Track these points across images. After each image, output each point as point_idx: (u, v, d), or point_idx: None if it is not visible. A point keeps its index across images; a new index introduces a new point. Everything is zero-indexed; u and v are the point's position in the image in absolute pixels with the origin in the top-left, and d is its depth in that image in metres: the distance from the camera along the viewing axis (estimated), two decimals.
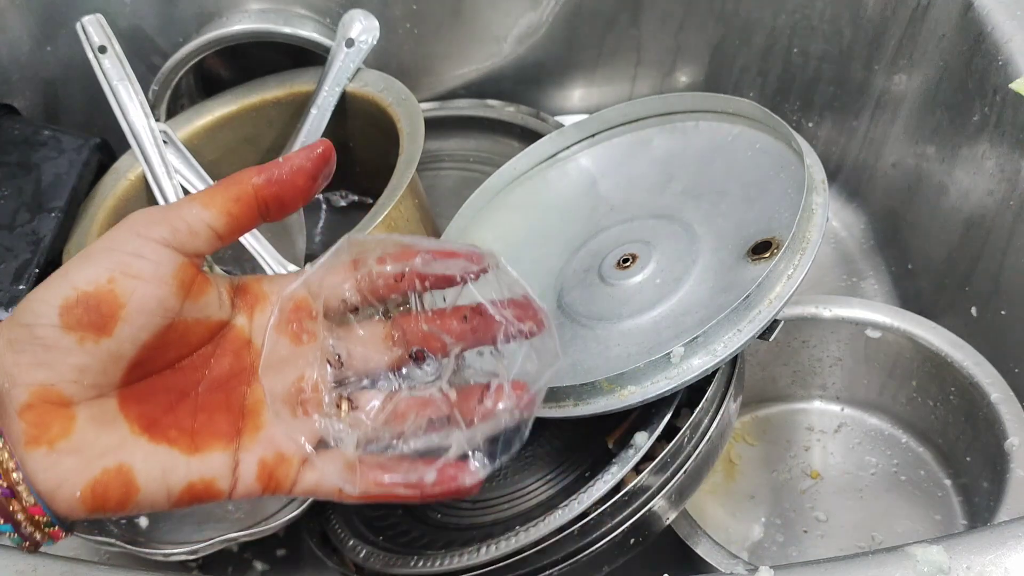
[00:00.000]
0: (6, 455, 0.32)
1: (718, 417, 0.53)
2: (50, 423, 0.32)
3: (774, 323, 0.51)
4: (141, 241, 0.34)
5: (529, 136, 0.74)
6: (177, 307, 0.35)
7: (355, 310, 0.39)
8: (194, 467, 0.35)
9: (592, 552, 0.48)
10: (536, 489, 0.55)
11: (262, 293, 0.39)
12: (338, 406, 0.37)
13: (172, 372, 0.36)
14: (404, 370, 0.39)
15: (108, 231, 0.34)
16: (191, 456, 0.35)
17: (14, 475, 0.32)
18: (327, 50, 0.68)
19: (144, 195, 0.66)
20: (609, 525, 0.48)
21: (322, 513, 0.61)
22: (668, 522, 0.50)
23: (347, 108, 0.69)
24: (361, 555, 0.57)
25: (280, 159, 0.38)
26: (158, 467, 0.34)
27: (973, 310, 0.66)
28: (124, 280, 0.33)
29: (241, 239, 0.63)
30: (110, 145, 0.67)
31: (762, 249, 0.53)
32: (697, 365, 0.50)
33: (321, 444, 0.37)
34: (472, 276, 0.38)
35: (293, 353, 0.37)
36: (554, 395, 0.50)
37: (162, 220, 0.34)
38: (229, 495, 0.36)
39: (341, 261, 0.39)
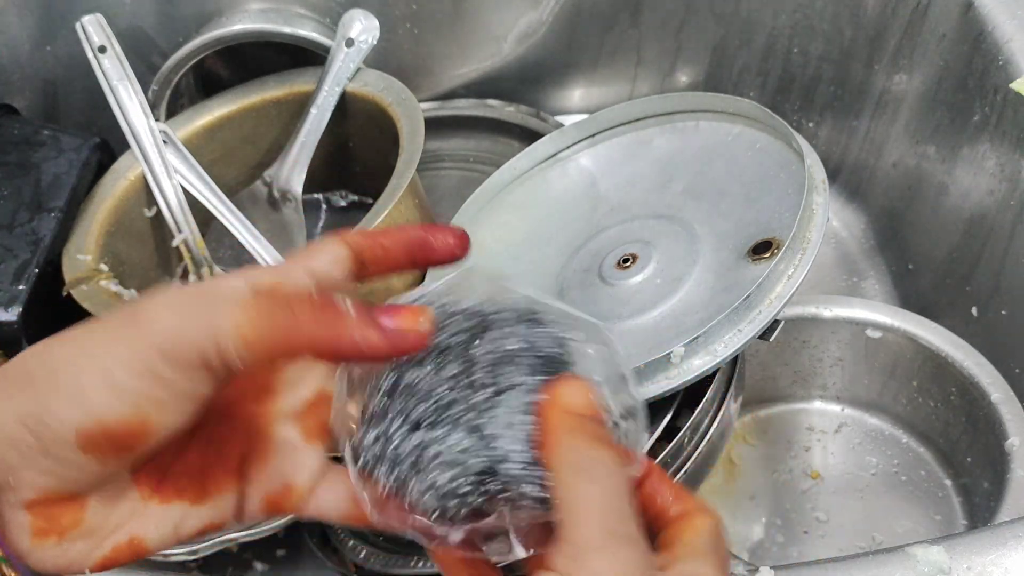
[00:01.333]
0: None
1: (718, 417, 0.53)
2: (61, 515, 0.30)
3: (774, 323, 0.51)
4: (169, 370, 0.29)
5: (529, 136, 0.74)
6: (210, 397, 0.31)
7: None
8: (204, 515, 0.33)
9: None
10: None
11: None
12: None
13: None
14: None
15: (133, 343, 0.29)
16: (201, 506, 0.33)
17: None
18: (327, 50, 0.68)
19: (144, 195, 0.66)
20: None
21: None
22: None
23: (347, 108, 0.69)
24: (361, 555, 0.57)
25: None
26: (169, 526, 0.33)
27: (974, 310, 0.66)
28: (158, 415, 0.29)
29: (240, 238, 0.63)
30: (110, 145, 0.67)
31: (762, 249, 0.53)
32: (697, 365, 0.50)
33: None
34: None
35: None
36: None
37: (187, 341, 0.29)
38: (232, 524, 0.35)
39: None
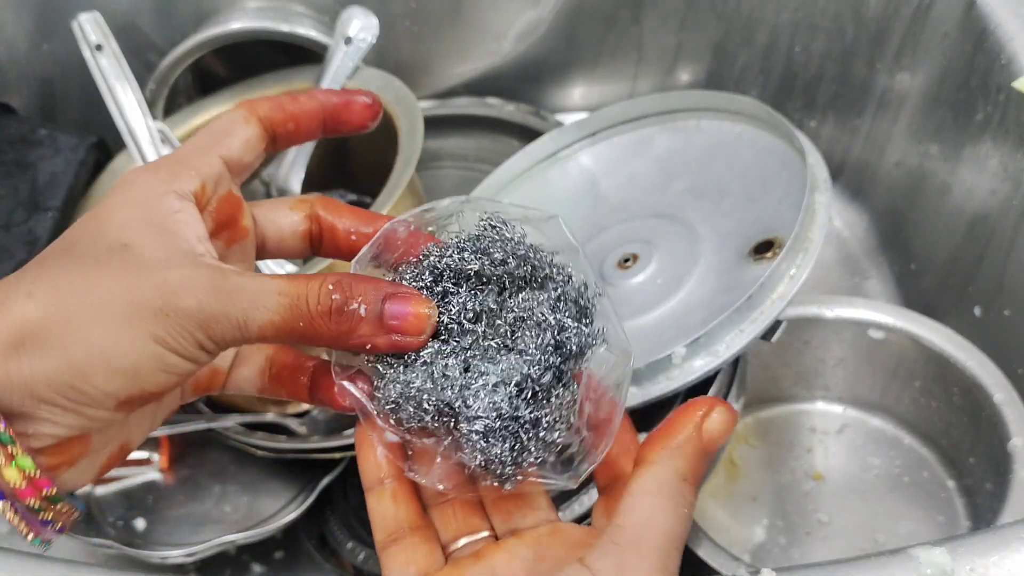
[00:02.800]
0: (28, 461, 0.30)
1: None
2: (70, 450, 0.32)
3: (776, 323, 0.51)
4: (206, 356, 0.32)
5: (529, 134, 0.74)
6: None
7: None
8: (165, 408, 0.36)
9: None
10: None
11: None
12: None
13: None
14: None
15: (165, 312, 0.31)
16: (161, 403, 0.36)
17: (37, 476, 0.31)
18: (325, 48, 0.68)
19: None
20: None
21: (321, 515, 0.61)
22: None
23: None
24: (360, 557, 0.57)
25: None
26: (145, 425, 0.35)
27: (977, 310, 0.65)
28: (187, 378, 0.32)
29: None
30: (107, 144, 0.67)
31: (764, 249, 0.53)
32: (699, 366, 0.49)
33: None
34: None
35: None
36: None
37: (226, 340, 0.32)
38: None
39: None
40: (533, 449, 0.32)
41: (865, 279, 0.77)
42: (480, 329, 0.33)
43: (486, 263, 0.33)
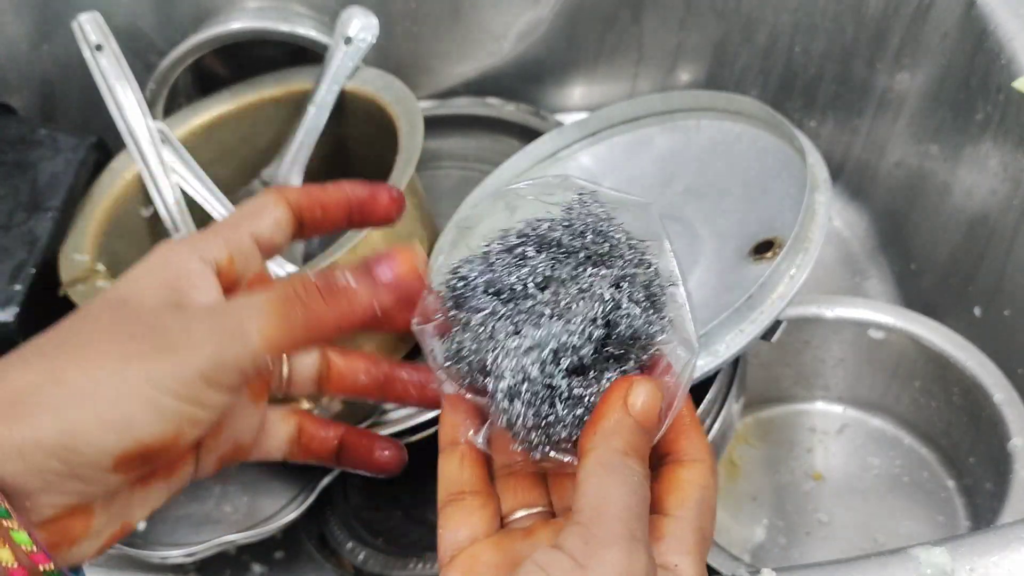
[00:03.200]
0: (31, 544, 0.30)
1: (720, 418, 0.53)
2: (72, 527, 0.31)
3: (776, 323, 0.51)
4: (211, 392, 0.31)
5: (529, 134, 0.74)
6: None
7: None
8: (173, 485, 0.35)
9: None
10: None
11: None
12: None
13: None
14: None
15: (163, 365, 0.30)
16: (170, 479, 0.35)
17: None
18: (325, 48, 0.68)
19: (141, 194, 0.66)
20: None
21: (321, 515, 0.61)
22: None
23: (346, 107, 0.68)
24: (360, 557, 0.57)
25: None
26: (149, 505, 0.35)
27: (977, 310, 0.65)
28: (191, 430, 0.31)
29: None
30: (107, 144, 0.67)
31: (764, 249, 0.53)
32: (699, 366, 0.49)
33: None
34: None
35: None
36: None
37: (228, 364, 0.31)
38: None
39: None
40: (567, 424, 0.32)
41: (865, 279, 0.77)
42: (545, 297, 0.33)
43: (564, 234, 0.33)
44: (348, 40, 0.67)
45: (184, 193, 0.64)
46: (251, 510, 0.62)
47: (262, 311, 0.31)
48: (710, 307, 0.52)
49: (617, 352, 0.33)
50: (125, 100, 0.64)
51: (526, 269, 0.33)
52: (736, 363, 0.54)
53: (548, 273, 0.33)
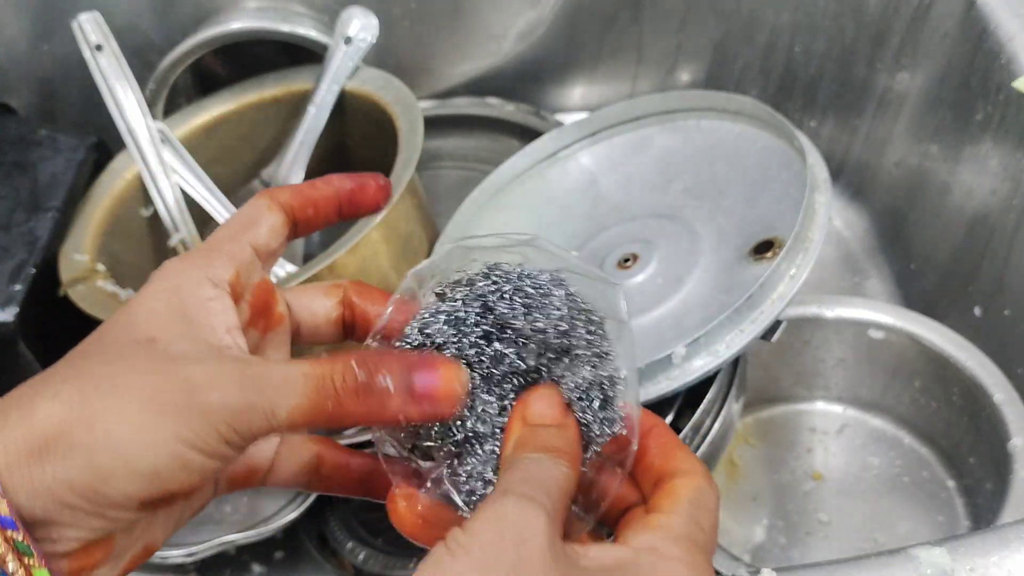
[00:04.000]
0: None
1: (720, 418, 0.53)
2: (94, 553, 0.31)
3: (776, 323, 0.51)
4: (230, 449, 0.31)
5: (529, 134, 0.74)
6: None
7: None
8: (194, 505, 0.36)
9: None
10: None
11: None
12: None
13: None
14: None
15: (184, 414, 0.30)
16: (190, 500, 0.35)
17: None
18: (325, 48, 0.68)
19: (141, 194, 0.66)
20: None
21: (321, 515, 0.61)
22: None
23: (346, 107, 0.68)
24: (360, 557, 0.57)
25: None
26: (171, 526, 0.35)
27: (977, 310, 0.65)
28: (213, 474, 0.32)
29: None
30: (107, 144, 0.67)
31: (764, 249, 0.53)
32: (699, 366, 0.49)
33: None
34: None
35: None
36: None
37: (252, 431, 0.32)
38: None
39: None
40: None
41: (865, 279, 0.77)
42: (494, 408, 0.33)
43: (527, 326, 0.33)
44: (348, 40, 0.67)
45: (184, 193, 0.64)
46: (251, 510, 0.62)
47: (296, 394, 0.31)
48: (710, 307, 0.52)
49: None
50: (125, 100, 0.64)
51: (485, 358, 0.33)
52: (736, 363, 0.54)
53: (506, 369, 0.33)
